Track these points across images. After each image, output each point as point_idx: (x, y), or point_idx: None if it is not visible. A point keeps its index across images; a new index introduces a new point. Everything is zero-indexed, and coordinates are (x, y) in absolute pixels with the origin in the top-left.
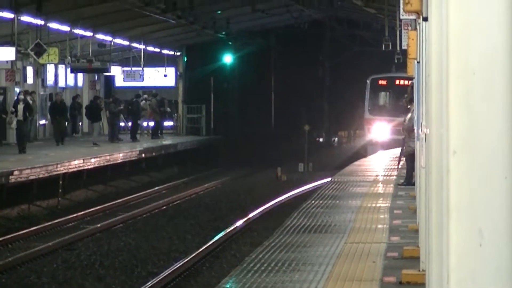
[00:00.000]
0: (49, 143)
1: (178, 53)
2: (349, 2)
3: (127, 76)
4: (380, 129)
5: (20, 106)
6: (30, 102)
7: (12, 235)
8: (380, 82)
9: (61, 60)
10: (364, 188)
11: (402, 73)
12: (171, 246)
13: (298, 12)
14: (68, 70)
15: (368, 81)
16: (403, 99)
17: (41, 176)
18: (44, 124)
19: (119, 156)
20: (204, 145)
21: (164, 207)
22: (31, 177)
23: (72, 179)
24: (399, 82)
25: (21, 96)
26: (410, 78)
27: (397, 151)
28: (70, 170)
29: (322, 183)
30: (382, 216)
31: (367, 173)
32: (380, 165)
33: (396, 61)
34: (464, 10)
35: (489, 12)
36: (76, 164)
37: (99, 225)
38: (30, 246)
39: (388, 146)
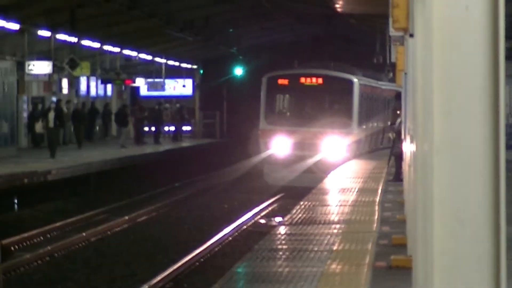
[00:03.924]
0: (82, 146)
1: (195, 66)
2: (345, 21)
3: (151, 86)
4: (280, 143)
5: (51, 114)
6: (65, 110)
7: (50, 226)
8: (280, 81)
9: (92, 73)
10: (357, 184)
11: (308, 68)
12: (189, 236)
13: (300, 29)
14: (99, 81)
15: (263, 80)
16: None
17: (75, 174)
18: None
19: (145, 159)
20: (216, 147)
21: (184, 201)
22: (67, 175)
23: (103, 177)
24: (306, 80)
25: (52, 105)
26: (319, 75)
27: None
28: (101, 169)
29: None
30: (374, 209)
31: (360, 171)
32: (371, 164)
33: (386, 72)
34: (445, 28)
35: (468, 29)
36: (106, 164)
37: (126, 217)
38: (66, 236)
39: (290, 165)
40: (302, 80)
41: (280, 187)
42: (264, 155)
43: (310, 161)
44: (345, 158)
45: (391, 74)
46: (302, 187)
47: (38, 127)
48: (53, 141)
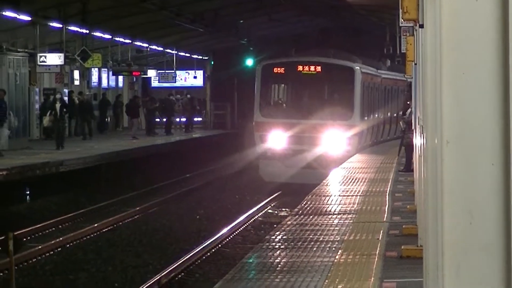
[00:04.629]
0: (94, 137)
1: (206, 58)
2: (354, 12)
3: (162, 77)
4: (276, 137)
5: (57, 106)
6: (77, 102)
7: (61, 217)
8: (276, 69)
9: (104, 64)
10: (367, 174)
11: (306, 56)
12: (200, 227)
13: (309, 21)
14: (110, 73)
15: (259, 68)
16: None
17: (86, 165)
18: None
19: (156, 150)
20: (227, 137)
21: (195, 191)
22: (78, 167)
23: (114, 168)
24: (303, 68)
25: (58, 96)
26: (318, 63)
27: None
28: (112, 161)
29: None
30: (384, 199)
31: (370, 161)
32: (381, 155)
33: (396, 63)
34: (455, 18)
35: (478, 20)
36: (117, 155)
37: (138, 208)
38: (77, 227)
39: (288, 159)
40: (300, 68)
41: (278, 184)
42: (259, 149)
43: (309, 156)
44: (347, 152)
45: (389, 62)
46: (301, 184)
47: (46, 121)
48: (59, 132)
